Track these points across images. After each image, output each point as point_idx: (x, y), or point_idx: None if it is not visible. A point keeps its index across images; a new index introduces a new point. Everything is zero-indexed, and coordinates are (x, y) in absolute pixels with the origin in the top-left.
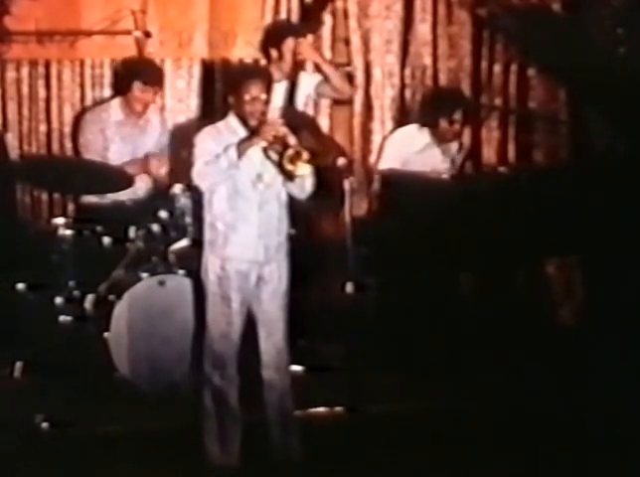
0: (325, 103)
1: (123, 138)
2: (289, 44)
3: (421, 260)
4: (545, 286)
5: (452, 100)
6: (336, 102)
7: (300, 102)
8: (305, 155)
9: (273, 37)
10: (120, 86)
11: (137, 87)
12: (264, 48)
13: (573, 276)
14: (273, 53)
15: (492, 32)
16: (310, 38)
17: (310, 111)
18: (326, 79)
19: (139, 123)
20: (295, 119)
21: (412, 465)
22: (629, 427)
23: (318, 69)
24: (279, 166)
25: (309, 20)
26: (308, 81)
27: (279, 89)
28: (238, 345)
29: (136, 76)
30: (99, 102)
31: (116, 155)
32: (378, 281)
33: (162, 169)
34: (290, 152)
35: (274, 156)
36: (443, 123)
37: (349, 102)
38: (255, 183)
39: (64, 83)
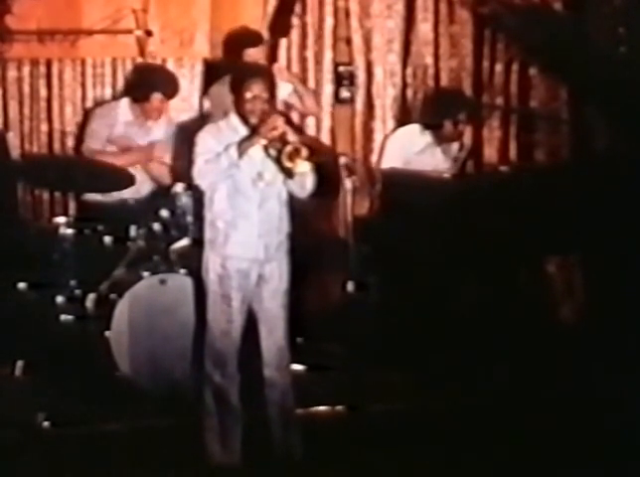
0: (327, 102)
1: (129, 137)
2: (249, 54)
3: (422, 259)
4: (546, 285)
5: (456, 102)
6: (338, 101)
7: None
8: (304, 152)
9: (232, 49)
10: (136, 94)
11: (156, 99)
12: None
13: (574, 275)
14: None
15: (493, 31)
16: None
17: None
18: (299, 96)
19: (146, 124)
20: None
21: (413, 464)
22: (629, 426)
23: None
24: (278, 163)
25: (277, 24)
26: (282, 87)
27: None
28: (238, 343)
29: (156, 87)
30: (109, 100)
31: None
32: (379, 280)
33: (165, 158)
34: (289, 149)
35: (273, 153)
36: (448, 125)
37: (351, 101)
38: (256, 181)
39: (65, 83)
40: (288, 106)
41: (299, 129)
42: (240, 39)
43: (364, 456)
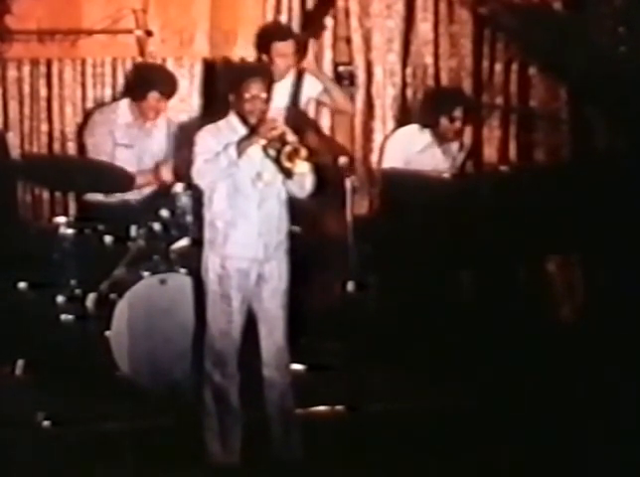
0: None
1: (131, 140)
2: (277, 48)
3: (422, 259)
4: (546, 285)
5: (452, 98)
6: None
7: (302, 103)
8: (303, 152)
9: (261, 42)
10: (134, 93)
11: (153, 97)
12: (258, 52)
13: (574, 275)
14: (264, 58)
15: (493, 31)
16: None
17: (312, 113)
18: (330, 95)
19: (146, 126)
20: (297, 119)
21: (412, 465)
22: (629, 425)
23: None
24: (277, 163)
25: (310, 24)
26: (312, 85)
27: (281, 89)
28: (238, 343)
29: (153, 86)
30: (108, 102)
31: (123, 155)
32: (379, 280)
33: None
34: (288, 149)
35: (273, 153)
36: (444, 121)
37: (350, 101)
38: (255, 181)
39: (65, 82)
40: (320, 103)
41: (318, 129)
42: (270, 32)
43: (363, 456)
